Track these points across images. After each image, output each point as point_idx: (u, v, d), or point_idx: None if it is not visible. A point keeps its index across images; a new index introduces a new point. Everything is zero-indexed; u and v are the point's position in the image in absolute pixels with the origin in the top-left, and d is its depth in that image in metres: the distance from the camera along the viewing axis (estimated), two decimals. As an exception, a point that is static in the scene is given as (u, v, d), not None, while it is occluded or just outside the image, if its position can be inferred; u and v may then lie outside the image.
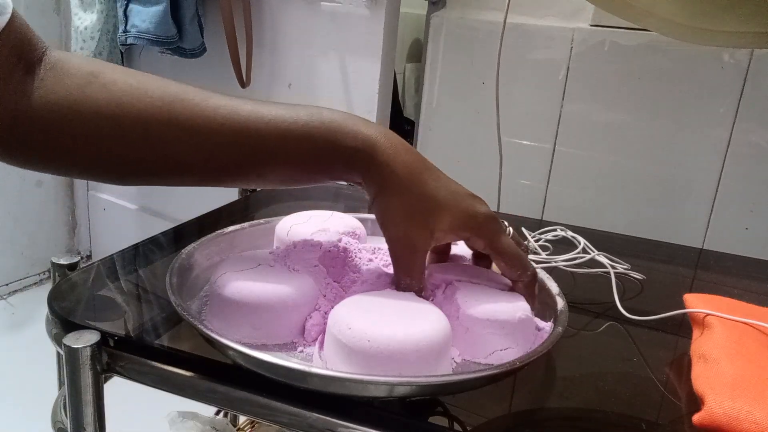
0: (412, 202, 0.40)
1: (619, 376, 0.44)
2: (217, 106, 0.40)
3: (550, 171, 1.26)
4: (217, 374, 0.39)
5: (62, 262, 0.51)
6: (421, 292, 0.42)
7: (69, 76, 0.39)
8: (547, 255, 0.60)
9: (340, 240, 0.48)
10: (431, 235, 0.41)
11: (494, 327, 0.40)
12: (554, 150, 1.25)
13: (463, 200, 0.42)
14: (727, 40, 0.76)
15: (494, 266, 0.46)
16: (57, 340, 0.43)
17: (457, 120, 1.33)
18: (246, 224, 0.55)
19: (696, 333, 0.48)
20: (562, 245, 0.63)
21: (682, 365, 0.45)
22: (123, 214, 1.84)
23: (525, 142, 1.27)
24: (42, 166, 0.41)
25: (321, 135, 0.40)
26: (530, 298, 0.43)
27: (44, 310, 0.45)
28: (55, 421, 0.47)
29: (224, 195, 0.79)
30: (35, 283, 1.84)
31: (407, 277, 0.42)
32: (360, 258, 0.47)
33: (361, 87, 1.31)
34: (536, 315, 0.44)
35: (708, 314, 0.48)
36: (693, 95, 1.10)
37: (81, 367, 0.39)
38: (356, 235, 0.52)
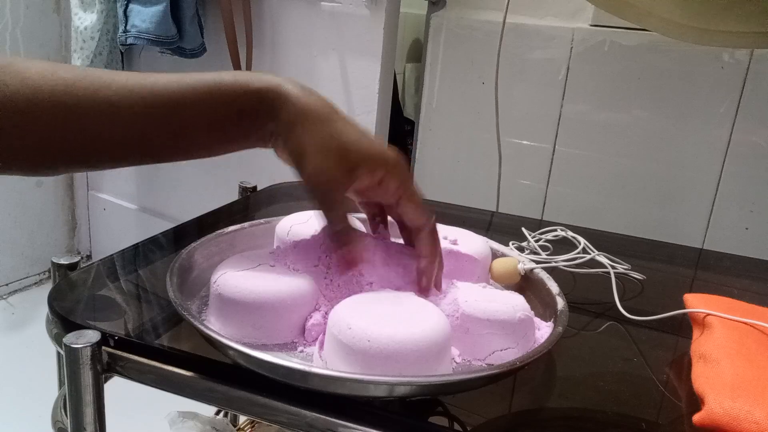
0: (328, 137, 0.41)
1: (619, 376, 0.44)
2: (127, 77, 0.41)
3: (550, 171, 1.26)
4: (216, 374, 0.39)
5: (62, 262, 0.51)
6: (346, 230, 0.42)
7: None
8: (547, 255, 0.60)
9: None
10: (351, 171, 0.41)
11: (494, 327, 0.40)
12: (554, 150, 1.24)
13: (376, 140, 0.42)
14: (727, 40, 0.76)
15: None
16: (57, 340, 0.43)
17: (457, 120, 1.33)
18: (246, 224, 0.55)
19: (696, 333, 0.48)
20: (562, 245, 0.63)
21: (682, 365, 0.45)
22: (123, 214, 1.84)
23: (525, 142, 1.27)
24: None
25: (231, 81, 0.41)
26: (436, 243, 0.44)
27: (44, 310, 0.45)
28: (55, 421, 0.47)
29: (224, 195, 0.79)
30: (35, 283, 1.84)
31: (329, 212, 0.42)
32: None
33: (361, 87, 1.31)
34: (536, 315, 0.44)
35: (708, 314, 0.48)
36: (693, 95, 1.10)
37: (81, 367, 0.39)
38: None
